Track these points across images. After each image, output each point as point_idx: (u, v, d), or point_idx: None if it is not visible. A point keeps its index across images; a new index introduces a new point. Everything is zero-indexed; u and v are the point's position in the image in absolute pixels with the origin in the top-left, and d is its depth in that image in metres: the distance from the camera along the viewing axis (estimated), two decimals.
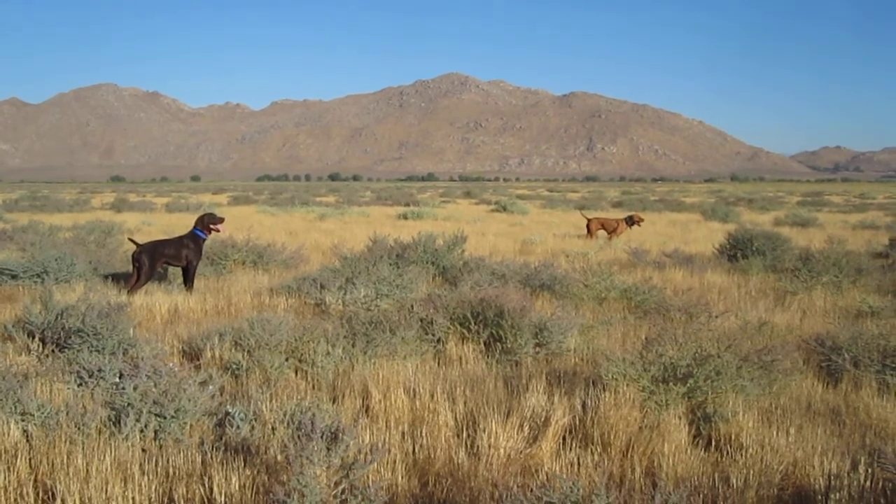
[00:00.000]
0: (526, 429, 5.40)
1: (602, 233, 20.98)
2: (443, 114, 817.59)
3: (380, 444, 4.79)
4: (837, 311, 10.49)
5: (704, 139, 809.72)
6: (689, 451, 5.34)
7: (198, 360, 7.38)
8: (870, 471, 4.73)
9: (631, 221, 20.98)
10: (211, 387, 5.80)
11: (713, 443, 5.59)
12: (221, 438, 5.33)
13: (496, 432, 5.22)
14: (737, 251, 15.36)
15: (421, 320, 8.21)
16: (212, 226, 12.22)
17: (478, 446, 5.22)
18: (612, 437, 5.43)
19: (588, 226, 21.00)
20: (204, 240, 12.22)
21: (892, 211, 40.03)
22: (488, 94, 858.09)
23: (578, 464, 5.13)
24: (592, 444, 5.41)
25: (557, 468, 5.05)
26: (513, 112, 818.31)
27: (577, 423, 5.66)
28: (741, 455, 5.22)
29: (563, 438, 5.46)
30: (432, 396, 6.03)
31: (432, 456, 5.17)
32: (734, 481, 4.82)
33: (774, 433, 5.49)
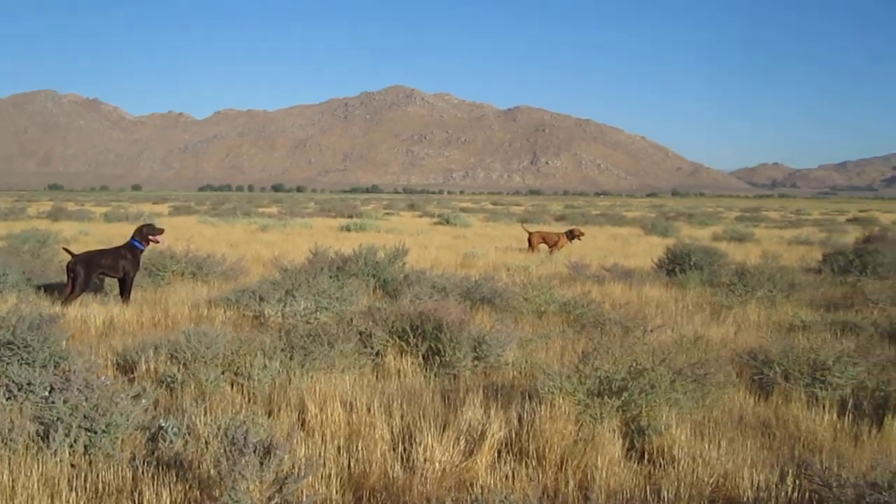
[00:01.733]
0: (462, 442, 5.40)
1: (543, 246, 21.13)
2: (388, 126, 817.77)
3: (315, 458, 4.77)
4: (771, 325, 10.69)
5: (646, 154, 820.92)
6: (622, 464, 5.40)
7: (132, 373, 7.28)
8: (797, 482, 4.84)
9: (571, 235, 21.16)
10: (144, 400, 5.71)
11: (646, 455, 5.66)
12: (154, 453, 5.25)
13: (432, 446, 5.22)
14: (675, 266, 15.58)
15: (360, 333, 8.19)
16: (151, 237, 12.07)
17: (413, 460, 5.21)
18: (546, 451, 5.47)
19: (529, 239, 21.14)
20: (142, 251, 12.06)
21: (826, 227, 40.91)
22: (433, 107, 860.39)
23: (513, 477, 5.16)
24: (528, 457, 5.44)
25: (492, 482, 5.07)
26: (458, 125, 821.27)
27: (513, 436, 5.69)
28: (673, 468, 5.30)
29: (499, 452, 5.48)
30: (369, 410, 6.02)
31: (368, 470, 5.15)
32: (665, 494, 4.89)
33: (706, 446, 5.57)
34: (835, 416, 6.43)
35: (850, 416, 6.44)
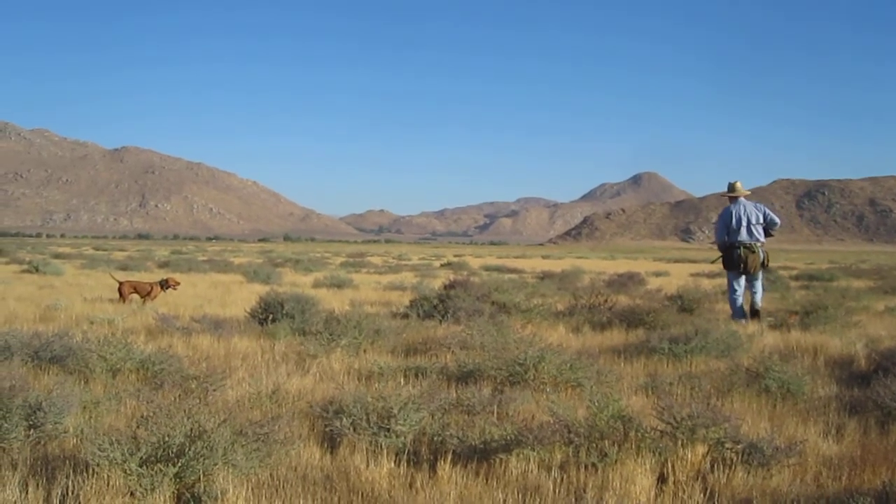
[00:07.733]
0: None
1: (136, 296, 20.13)
2: None
3: None
4: (352, 373, 10.83)
5: (259, 199, 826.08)
6: None
7: None
8: None
9: (166, 285, 20.37)
10: None
11: None
12: None
13: None
14: (268, 315, 15.45)
15: None
16: None
17: None
18: None
19: (120, 289, 20.00)
20: None
21: (421, 272, 43.24)
22: (31, 144, 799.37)
23: None
24: None
25: None
26: (59, 164, 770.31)
27: None
28: None
29: None
30: None
31: None
32: None
33: None
34: (393, 464, 6.61)
35: (408, 463, 6.65)
